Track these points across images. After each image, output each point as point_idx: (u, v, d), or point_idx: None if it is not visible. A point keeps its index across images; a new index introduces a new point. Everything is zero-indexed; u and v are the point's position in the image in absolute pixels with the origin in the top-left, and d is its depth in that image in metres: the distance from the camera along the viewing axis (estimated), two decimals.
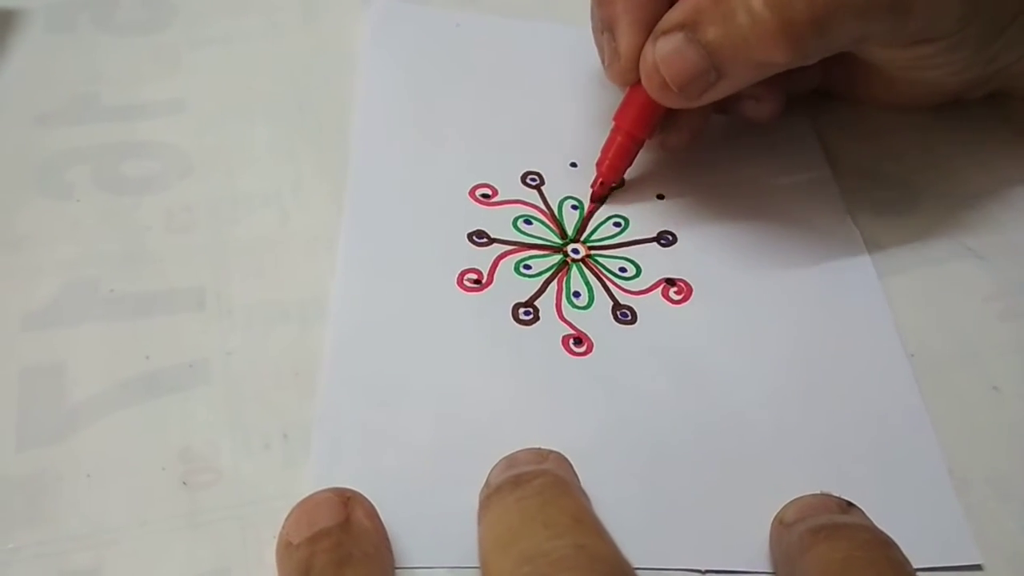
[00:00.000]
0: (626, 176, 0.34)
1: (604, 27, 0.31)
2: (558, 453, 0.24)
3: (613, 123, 0.32)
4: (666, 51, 0.29)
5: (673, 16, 0.29)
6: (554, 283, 0.30)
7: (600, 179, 0.33)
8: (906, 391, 0.28)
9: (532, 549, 0.20)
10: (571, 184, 0.34)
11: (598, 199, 0.33)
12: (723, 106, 0.33)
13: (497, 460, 0.25)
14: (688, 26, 0.28)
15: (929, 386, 0.29)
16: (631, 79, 0.31)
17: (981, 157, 0.35)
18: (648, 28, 0.30)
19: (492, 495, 0.23)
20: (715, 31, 0.28)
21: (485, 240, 0.31)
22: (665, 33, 0.29)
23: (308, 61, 0.37)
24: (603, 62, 0.33)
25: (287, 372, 0.28)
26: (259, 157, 0.34)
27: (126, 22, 0.38)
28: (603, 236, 0.32)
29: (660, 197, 0.33)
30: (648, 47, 0.30)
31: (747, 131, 0.35)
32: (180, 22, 0.39)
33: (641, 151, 0.33)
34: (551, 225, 0.32)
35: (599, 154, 0.33)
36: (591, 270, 0.31)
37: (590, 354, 0.29)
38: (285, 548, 0.23)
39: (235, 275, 0.30)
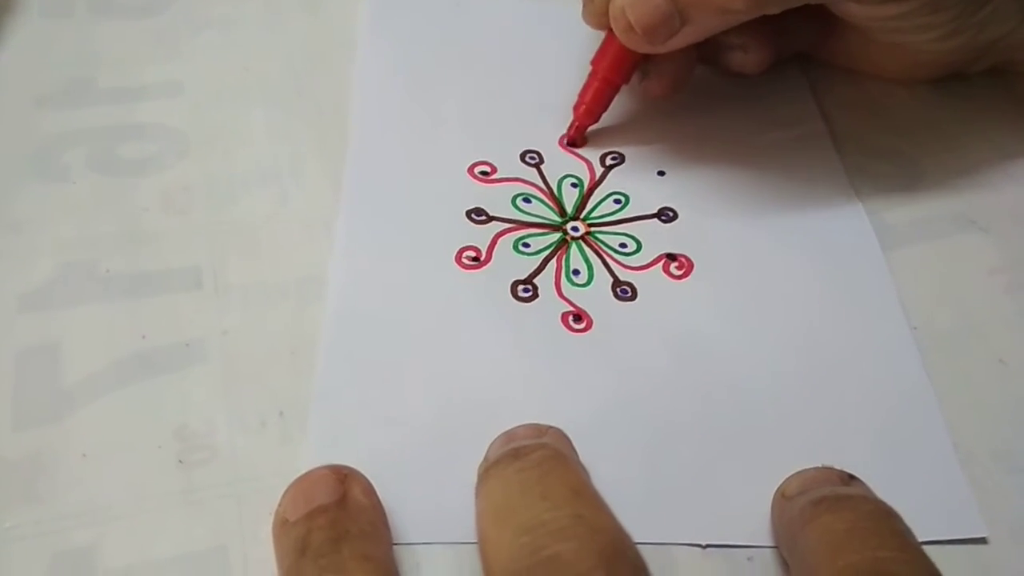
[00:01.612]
0: (624, 153, 0.33)
1: None
2: (557, 428, 0.24)
3: (590, 66, 0.33)
4: None
5: None
6: (553, 261, 0.30)
7: (576, 123, 0.33)
8: (910, 364, 0.28)
9: (531, 520, 0.20)
10: (570, 162, 0.33)
11: (573, 142, 0.34)
12: (710, 56, 0.33)
13: (495, 437, 0.24)
14: None
15: (933, 360, 0.28)
16: (604, 24, 0.31)
17: (985, 131, 0.35)
18: None
19: (491, 468, 0.23)
20: None
21: (484, 218, 0.31)
22: None
23: (306, 41, 0.37)
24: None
25: (284, 351, 0.28)
26: (256, 138, 0.34)
27: (123, 5, 0.38)
28: (603, 213, 0.32)
29: (660, 174, 0.33)
30: None
31: (748, 106, 0.35)
32: (178, 5, 0.38)
33: (641, 129, 0.33)
34: (550, 203, 0.32)
35: (576, 99, 0.33)
36: (591, 247, 0.31)
37: (589, 331, 0.28)
38: (282, 525, 0.23)
39: (232, 255, 0.30)
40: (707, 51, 0.32)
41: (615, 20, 0.30)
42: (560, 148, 0.34)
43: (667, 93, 0.34)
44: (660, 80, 0.33)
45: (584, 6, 0.32)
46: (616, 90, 0.33)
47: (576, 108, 0.33)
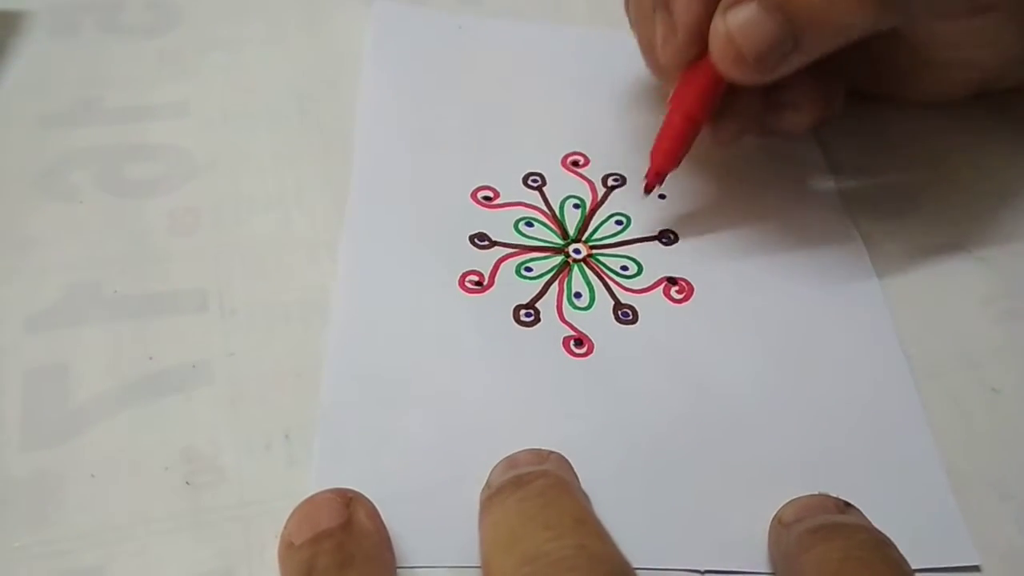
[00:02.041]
0: (626, 175, 0.34)
1: (657, 5, 0.30)
2: (558, 454, 0.25)
3: (669, 106, 0.31)
4: (740, 21, 0.27)
5: None
6: (555, 284, 0.31)
7: (655, 168, 0.31)
8: (904, 392, 0.28)
9: (533, 550, 0.21)
10: (573, 183, 0.34)
11: (651, 190, 0.31)
12: (763, 121, 0.32)
13: (498, 461, 0.25)
14: None
15: (927, 387, 0.29)
16: (688, 57, 0.30)
17: (980, 158, 0.35)
18: (708, 1, 0.29)
19: (493, 496, 0.23)
20: None
21: (487, 243, 0.32)
22: (735, 4, 0.28)
23: (311, 64, 0.37)
24: (645, 51, 0.32)
25: (289, 373, 0.28)
26: (262, 160, 0.34)
27: (130, 25, 0.39)
28: (605, 235, 0.32)
29: (662, 196, 0.33)
30: (718, 20, 0.28)
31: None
32: (184, 26, 0.39)
33: (643, 151, 0.33)
34: (552, 226, 0.32)
35: (654, 142, 0.31)
36: (592, 270, 0.31)
37: (591, 355, 0.29)
38: (287, 548, 0.23)
39: (238, 277, 0.30)
40: (760, 117, 0.31)
41: (721, 51, 0.28)
42: (562, 168, 0.34)
43: (737, 138, 0.32)
44: (735, 123, 0.32)
45: (663, 44, 0.30)
46: (698, 130, 0.31)
47: (655, 151, 0.31)
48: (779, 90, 0.31)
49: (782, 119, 0.32)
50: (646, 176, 0.32)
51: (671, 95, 0.31)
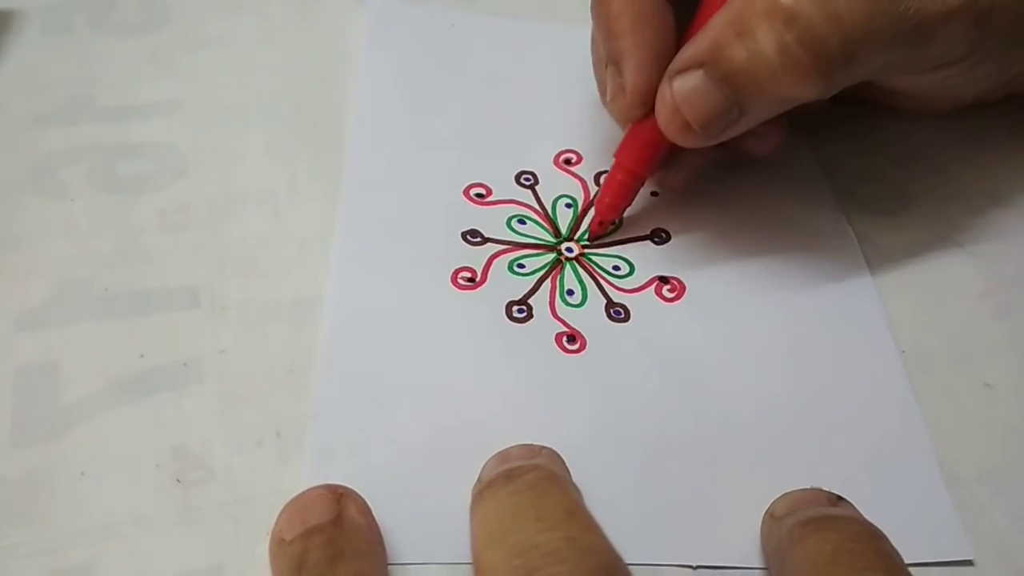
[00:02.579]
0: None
1: (609, 60, 0.30)
2: (550, 449, 0.25)
3: (614, 159, 0.31)
4: (686, 90, 0.28)
5: (689, 53, 0.28)
6: (547, 281, 0.31)
7: (599, 218, 0.32)
8: (898, 388, 0.29)
9: (524, 542, 0.21)
10: (565, 182, 0.34)
11: (595, 238, 0.32)
12: (725, 153, 0.32)
13: (489, 456, 0.25)
14: (708, 63, 0.27)
15: (921, 383, 0.29)
16: (635, 116, 0.30)
17: (972, 156, 0.35)
18: (658, 64, 0.29)
19: (484, 489, 0.23)
20: (739, 66, 0.27)
21: (479, 239, 0.32)
22: (682, 71, 0.28)
23: (303, 61, 0.37)
24: (601, 94, 0.32)
25: (280, 370, 0.28)
26: (254, 157, 0.34)
27: (122, 24, 0.38)
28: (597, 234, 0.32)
29: (654, 194, 0.33)
30: (665, 87, 0.28)
31: None
32: (175, 24, 0.39)
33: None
34: (545, 224, 0.32)
35: (599, 191, 0.32)
36: (585, 268, 0.31)
37: (583, 352, 0.29)
38: (278, 544, 0.23)
39: (229, 274, 0.30)
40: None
41: (667, 118, 0.29)
42: (555, 167, 0.34)
43: (685, 184, 0.33)
44: (679, 171, 0.32)
45: (611, 100, 0.31)
46: (642, 183, 0.32)
47: (599, 202, 0.32)
48: None
49: (746, 145, 0.32)
50: (591, 224, 0.32)
51: (617, 148, 0.31)
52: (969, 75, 0.30)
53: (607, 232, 0.32)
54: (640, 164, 0.31)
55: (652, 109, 0.29)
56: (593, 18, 0.31)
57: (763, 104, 0.28)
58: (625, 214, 0.33)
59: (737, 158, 0.33)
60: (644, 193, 0.33)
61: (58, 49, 0.37)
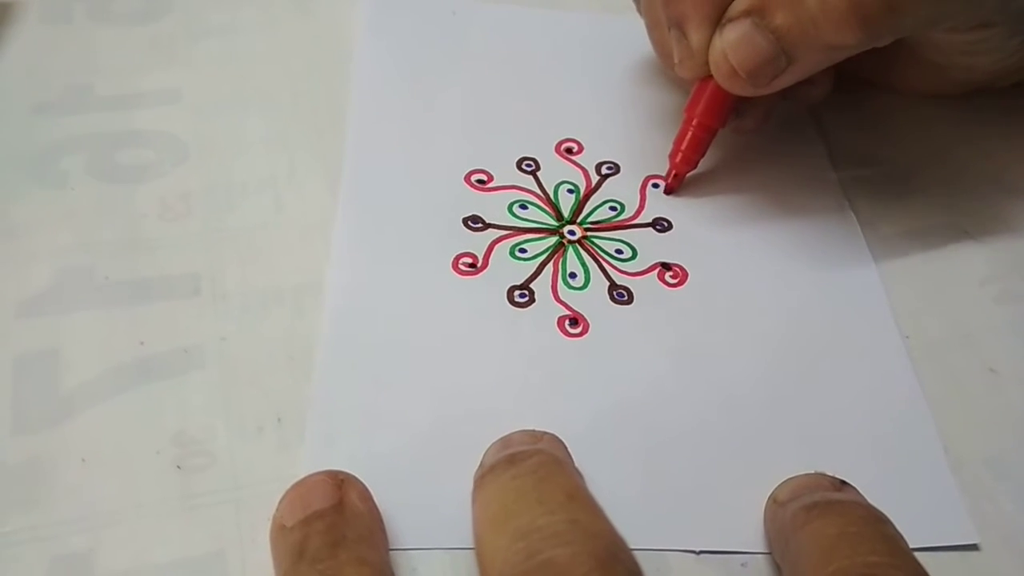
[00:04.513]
0: (620, 163, 0.34)
1: (671, 24, 0.31)
2: (552, 434, 0.25)
3: (684, 114, 0.32)
4: (733, 38, 0.29)
5: (739, 4, 0.29)
6: (550, 265, 0.30)
7: (674, 171, 0.33)
8: (901, 373, 0.28)
9: (527, 525, 0.20)
10: (567, 169, 0.34)
11: (671, 191, 0.33)
12: (776, 104, 0.33)
13: (491, 442, 0.25)
14: (755, 12, 0.28)
15: (925, 368, 0.29)
16: (703, 73, 0.31)
17: (976, 141, 0.35)
18: (718, 23, 0.30)
19: (487, 474, 0.23)
20: (783, 16, 0.28)
21: (480, 225, 0.31)
22: (732, 20, 0.29)
23: (304, 49, 0.37)
24: (661, 57, 0.33)
25: (281, 356, 0.28)
26: (254, 145, 0.34)
27: (122, 13, 0.38)
28: (600, 218, 0.32)
29: (655, 186, 0.33)
30: (716, 37, 0.29)
31: None
32: (176, 13, 0.39)
33: (635, 140, 0.33)
34: (547, 208, 0.32)
35: (671, 146, 0.33)
36: (587, 251, 0.31)
37: (586, 335, 0.29)
38: (279, 530, 0.23)
39: (230, 262, 0.30)
40: None
41: (716, 66, 0.30)
42: (556, 155, 0.34)
43: (759, 128, 0.33)
44: (754, 116, 0.33)
45: (680, 62, 0.31)
46: (713, 135, 0.32)
47: (672, 156, 0.32)
48: None
49: (799, 94, 0.33)
50: (665, 178, 0.33)
51: (687, 103, 0.32)
52: (1003, 43, 0.31)
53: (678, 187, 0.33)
54: (709, 116, 0.32)
55: None
56: None
57: (809, 53, 0.28)
58: (624, 205, 0.32)
59: (796, 107, 0.34)
60: (645, 185, 0.33)
61: (58, 38, 0.37)
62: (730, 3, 0.29)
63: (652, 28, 0.33)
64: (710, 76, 0.30)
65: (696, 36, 0.30)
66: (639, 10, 0.34)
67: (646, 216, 0.32)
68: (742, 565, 0.24)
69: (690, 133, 0.32)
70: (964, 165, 0.35)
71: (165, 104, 0.35)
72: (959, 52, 0.32)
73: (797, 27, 0.28)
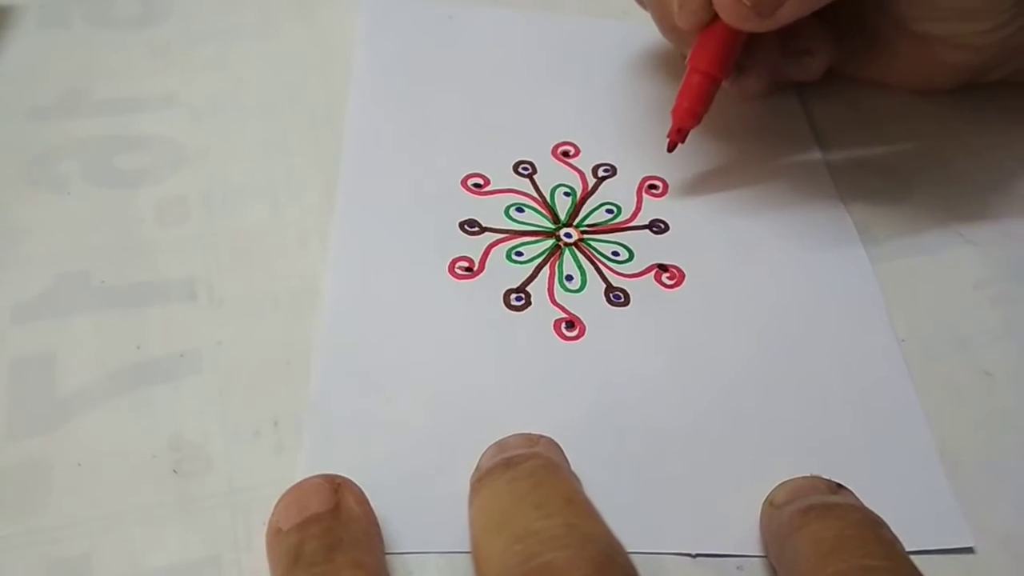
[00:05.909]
0: (617, 165, 0.34)
1: None
2: (548, 438, 0.25)
3: (688, 65, 0.31)
4: None
5: None
6: (546, 268, 0.31)
7: (677, 125, 0.32)
8: (897, 376, 0.28)
9: (523, 529, 0.20)
10: (563, 173, 0.34)
11: (674, 148, 0.32)
12: (781, 71, 0.34)
13: (488, 446, 0.25)
14: None
15: (920, 371, 0.29)
16: (705, 17, 0.30)
17: (972, 145, 0.35)
18: None
19: (483, 478, 0.23)
20: None
21: (477, 229, 0.31)
22: None
23: (301, 54, 0.37)
24: (660, 20, 0.33)
25: (278, 361, 0.28)
26: (251, 150, 0.34)
27: (120, 18, 0.38)
28: (596, 221, 0.32)
29: (652, 187, 0.33)
30: None
31: (739, 122, 0.35)
32: (174, 18, 0.39)
33: (633, 143, 0.33)
34: (543, 211, 0.32)
35: (675, 100, 0.32)
36: (584, 254, 0.31)
37: (582, 338, 0.29)
38: (275, 534, 0.23)
39: (226, 266, 0.30)
40: (778, 64, 0.32)
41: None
42: (553, 158, 0.34)
43: (764, 91, 0.34)
44: (757, 76, 0.33)
45: (681, 6, 0.31)
46: (717, 86, 0.31)
47: (676, 110, 0.32)
48: (794, 39, 0.33)
49: (799, 65, 0.34)
50: (668, 134, 0.32)
51: (690, 54, 0.31)
52: (1012, 26, 0.31)
53: (678, 142, 0.32)
54: (714, 64, 0.31)
55: None
56: None
57: None
58: (621, 207, 0.32)
59: (794, 80, 0.35)
60: (642, 187, 0.33)
61: (56, 42, 0.37)
62: None
63: None
64: (711, 24, 0.31)
65: None
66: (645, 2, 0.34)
67: (643, 218, 0.32)
68: (738, 568, 0.24)
69: (695, 83, 0.31)
70: (960, 168, 0.35)
71: (163, 109, 0.35)
72: (954, 17, 0.32)
73: None
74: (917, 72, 0.35)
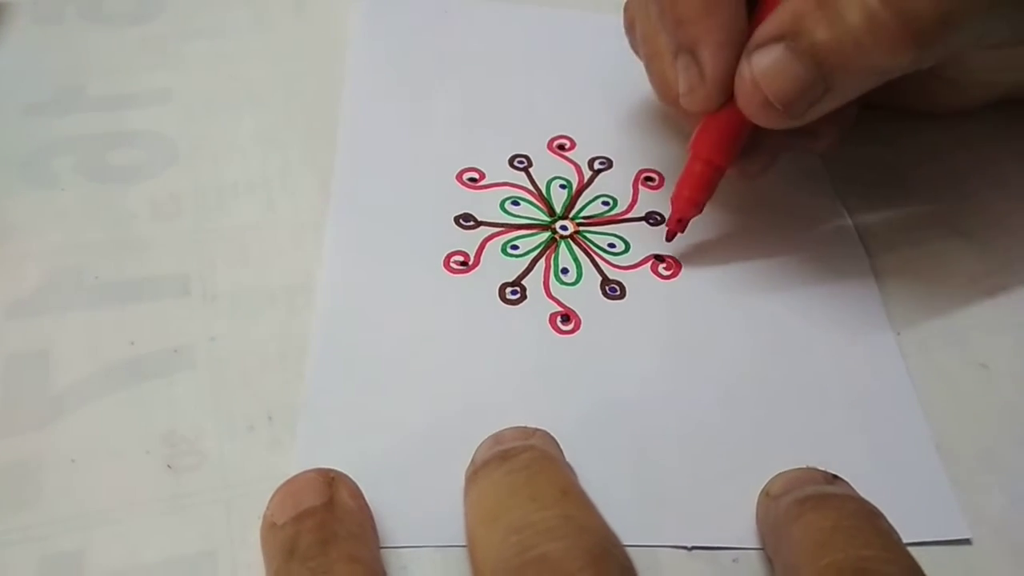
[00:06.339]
0: (612, 158, 0.34)
1: (680, 50, 0.28)
2: (544, 431, 0.24)
3: (690, 151, 0.29)
4: (766, 65, 0.26)
5: (769, 28, 0.26)
6: (542, 261, 0.30)
7: (677, 215, 0.30)
8: (893, 368, 0.28)
9: (519, 521, 0.20)
10: (559, 165, 0.34)
11: (673, 237, 0.30)
12: (784, 148, 0.31)
13: (483, 440, 0.24)
14: (788, 35, 0.25)
15: (917, 364, 0.29)
16: (715, 104, 0.28)
17: (967, 140, 0.35)
18: (737, 47, 0.27)
19: (479, 470, 0.23)
20: (822, 36, 0.25)
21: (472, 223, 0.31)
22: (761, 46, 0.26)
23: (296, 49, 0.37)
24: (661, 92, 0.31)
25: (272, 356, 0.28)
26: (245, 145, 0.34)
27: (113, 13, 0.38)
28: (592, 213, 0.32)
29: (649, 180, 0.33)
30: (743, 64, 0.26)
31: None
32: (168, 13, 0.39)
33: (629, 136, 0.33)
34: (539, 204, 0.32)
35: (674, 188, 0.30)
36: (579, 246, 0.31)
37: (577, 332, 0.29)
38: (269, 528, 0.23)
39: (220, 262, 0.30)
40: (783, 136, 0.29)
41: (747, 97, 0.26)
42: (548, 152, 0.34)
43: (765, 171, 0.31)
44: (760, 159, 0.30)
45: (689, 91, 0.28)
46: (721, 175, 0.29)
47: (676, 197, 0.30)
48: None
49: (805, 145, 0.31)
50: (667, 223, 0.30)
51: (693, 139, 0.29)
52: None
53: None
54: (719, 154, 0.29)
55: (732, 96, 0.27)
56: (655, 8, 0.29)
57: (850, 78, 0.26)
58: (617, 200, 0.32)
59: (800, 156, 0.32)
60: (639, 178, 0.33)
61: (49, 38, 0.37)
62: (746, 26, 0.27)
63: (651, 59, 0.31)
64: (720, 108, 0.28)
65: (711, 63, 0.27)
66: (634, 47, 0.32)
67: (639, 210, 0.32)
68: (734, 561, 0.24)
69: (697, 171, 0.29)
70: (955, 162, 0.34)
71: (156, 104, 0.35)
72: (987, 69, 0.30)
73: (838, 49, 0.25)
74: (942, 102, 0.34)
